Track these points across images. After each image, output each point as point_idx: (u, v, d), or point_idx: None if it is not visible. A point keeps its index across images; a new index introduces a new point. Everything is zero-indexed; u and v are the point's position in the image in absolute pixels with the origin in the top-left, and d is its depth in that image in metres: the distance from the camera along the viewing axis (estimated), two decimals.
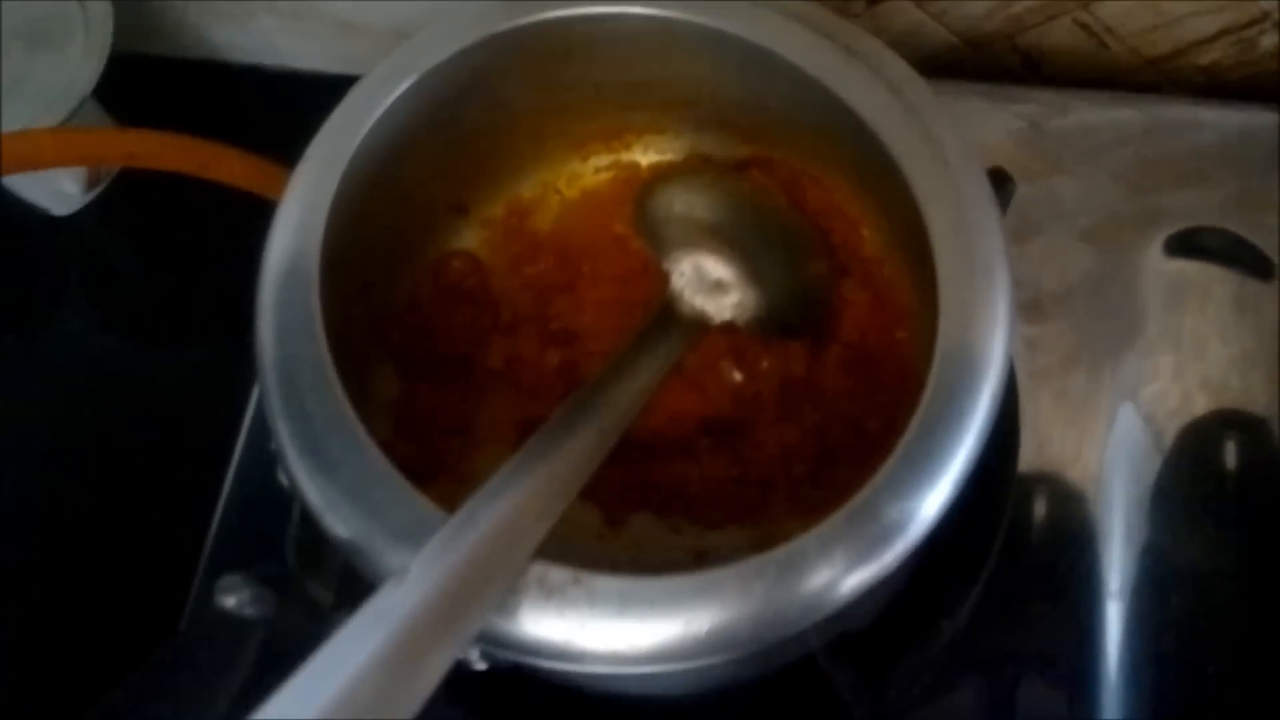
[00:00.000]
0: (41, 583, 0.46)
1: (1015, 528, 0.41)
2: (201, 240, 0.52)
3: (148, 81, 0.52)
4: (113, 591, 0.45)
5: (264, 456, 0.41)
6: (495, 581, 0.26)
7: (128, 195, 0.54)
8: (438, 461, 0.36)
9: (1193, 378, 0.43)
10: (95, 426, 0.49)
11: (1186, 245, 0.44)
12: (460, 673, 0.26)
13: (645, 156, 0.41)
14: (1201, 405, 0.42)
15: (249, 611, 0.29)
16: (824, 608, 0.28)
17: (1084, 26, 0.47)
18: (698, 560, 0.36)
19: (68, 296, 0.53)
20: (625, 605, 0.27)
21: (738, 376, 0.37)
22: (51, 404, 0.50)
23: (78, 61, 0.48)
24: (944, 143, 0.33)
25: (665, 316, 0.36)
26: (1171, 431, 0.42)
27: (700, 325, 0.36)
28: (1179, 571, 0.40)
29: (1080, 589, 0.39)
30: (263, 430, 0.42)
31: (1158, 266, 0.44)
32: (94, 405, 0.50)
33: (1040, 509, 0.41)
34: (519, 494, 0.28)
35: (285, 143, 0.45)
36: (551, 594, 0.27)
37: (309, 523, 0.29)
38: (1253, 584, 0.40)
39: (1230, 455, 0.42)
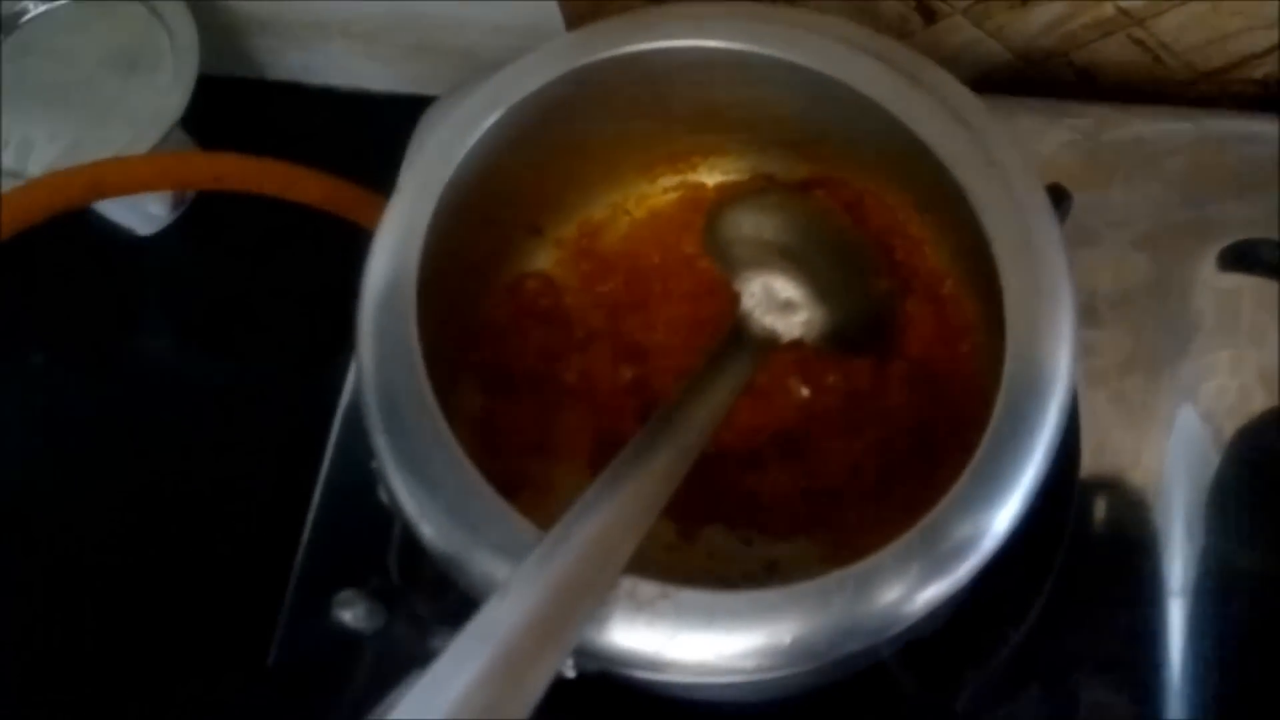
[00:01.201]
0: (128, 603, 0.48)
1: (1078, 532, 0.41)
2: (279, 258, 0.54)
3: (224, 103, 0.54)
4: (200, 607, 0.47)
5: (351, 471, 0.43)
6: (590, 595, 0.28)
7: (209, 214, 0.56)
8: (521, 475, 0.37)
9: (1250, 372, 0.43)
10: (179, 443, 0.51)
11: (1240, 258, 0.45)
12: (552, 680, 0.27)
13: (711, 177, 0.43)
14: (1260, 401, 0.43)
15: (363, 625, 0.31)
16: (899, 621, 0.29)
17: (1139, 42, 0.48)
18: (768, 570, 0.37)
19: (152, 313, 0.55)
20: (712, 618, 0.28)
21: (805, 392, 0.39)
22: (132, 420, 0.53)
23: (167, 88, 0.50)
24: (1007, 166, 0.34)
25: (736, 336, 0.37)
26: (1230, 429, 0.42)
27: (770, 343, 0.38)
28: (1241, 572, 0.41)
29: (1143, 592, 0.40)
30: (349, 446, 0.44)
31: (1212, 278, 0.45)
32: (175, 421, 0.52)
33: (1102, 513, 0.42)
34: (608, 511, 0.30)
35: (359, 161, 0.47)
36: (641, 607, 0.29)
37: (409, 538, 0.31)
38: None
39: None
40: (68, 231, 0.47)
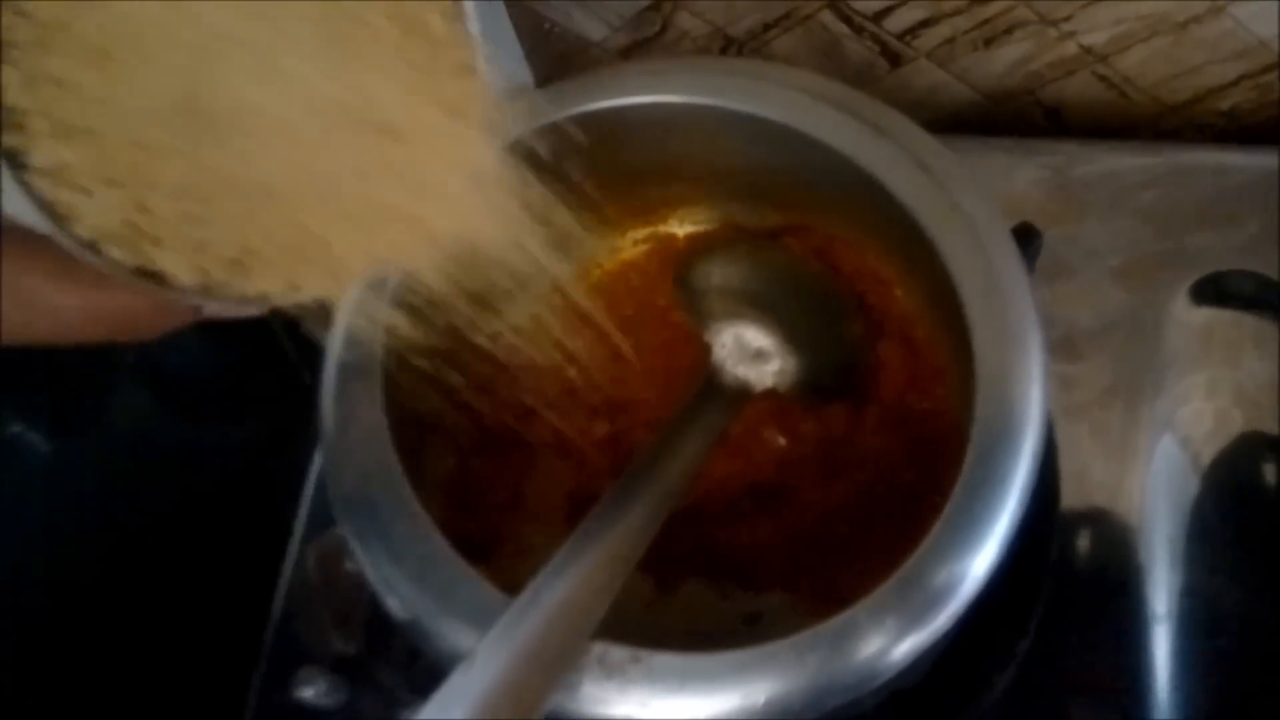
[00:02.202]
0: (97, 674, 0.47)
1: (1061, 567, 0.41)
2: (255, 322, 0.54)
3: None
4: (171, 680, 0.46)
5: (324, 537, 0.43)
6: (559, 662, 0.28)
7: None
8: (494, 534, 0.37)
9: (1226, 395, 0.43)
10: (151, 512, 0.51)
11: (1214, 292, 0.45)
12: None
13: (681, 228, 0.43)
14: (1237, 424, 0.43)
15: (326, 702, 0.30)
16: (878, 674, 0.29)
17: (1103, 79, 0.48)
18: (749, 622, 0.37)
19: (128, 380, 0.55)
20: (684, 681, 0.28)
21: (781, 441, 0.38)
22: (108, 487, 0.52)
23: None
24: (971, 212, 0.34)
25: (709, 388, 0.37)
26: (1208, 454, 0.43)
27: (744, 394, 0.38)
28: (1225, 599, 0.40)
29: (1129, 625, 0.40)
30: (320, 514, 0.44)
31: (1185, 312, 0.45)
32: (150, 489, 0.51)
33: (1084, 546, 0.42)
34: (578, 573, 0.29)
35: None
36: (612, 672, 0.28)
37: (376, 607, 0.30)
38: None
39: (1269, 479, 0.43)
40: None
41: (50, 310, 0.23)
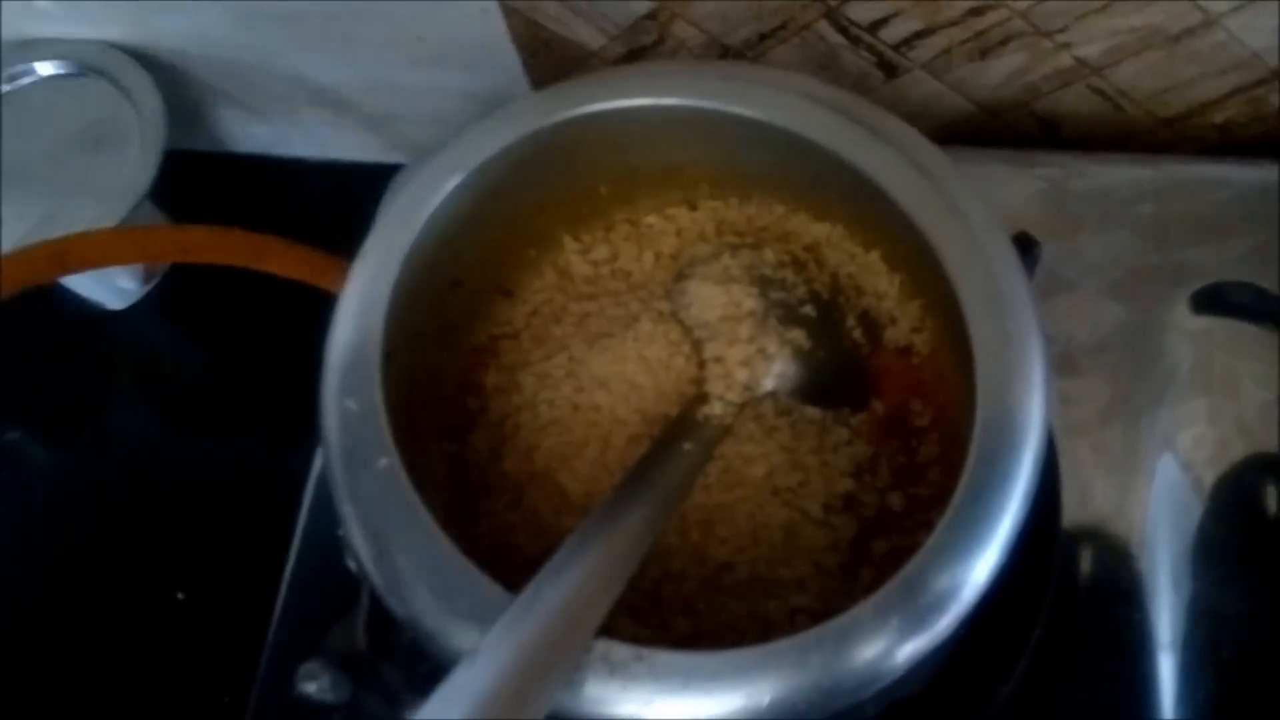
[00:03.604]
0: (103, 673, 0.47)
1: (1063, 584, 0.41)
2: (251, 329, 0.54)
3: (194, 177, 0.54)
4: (175, 679, 0.46)
5: (323, 540, 0.43)
6: (562, 659, 0.27)
7: (181, 288, 0.56)
8: (496, 533, 0.37)
9: (1228, 422, 0.43)
10: (152, 516, 0.51)
11: (1212, 302, 0.45)
12: None
13: (677, 232, 0.42)
14: (1239, 449, 0.43)
15: (328, 697, 0.30)
16: (880, 678, 0.28)
17: (1098, 91, 0.49)
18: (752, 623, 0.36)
19: (123, 388, 0.55)
20: (688, 680, 0.28)
21: (777, 446, 0.38)
22: (107, 494, 0.52)
23: (135, 162, 0.50)
24: (970, 216, 0.34)
25: (708, 392, 0.37)
26: (1210, 479, 0.42)
27: (743, 398, 0.37)
28: (1228, 620, 0.40)
29: (1131, 643, 0.40)
30: (321, 515, 0.43)
31: (1185, 323, 0.45)
32: (149, 494, 0.51)
33: (1086, 564, 0.42)
34: (581, 571, 0.29)
35: (331, 231, 0.46)
36: (615, 670, 0.28)
37: (378, 606, 0.30)
38: None
39: (1272, 500, 0.43)
40: (38, 307, 0.46)
41: None
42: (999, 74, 0.48)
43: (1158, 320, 0.45)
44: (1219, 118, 0.49)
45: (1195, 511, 0.42)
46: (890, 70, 0.49)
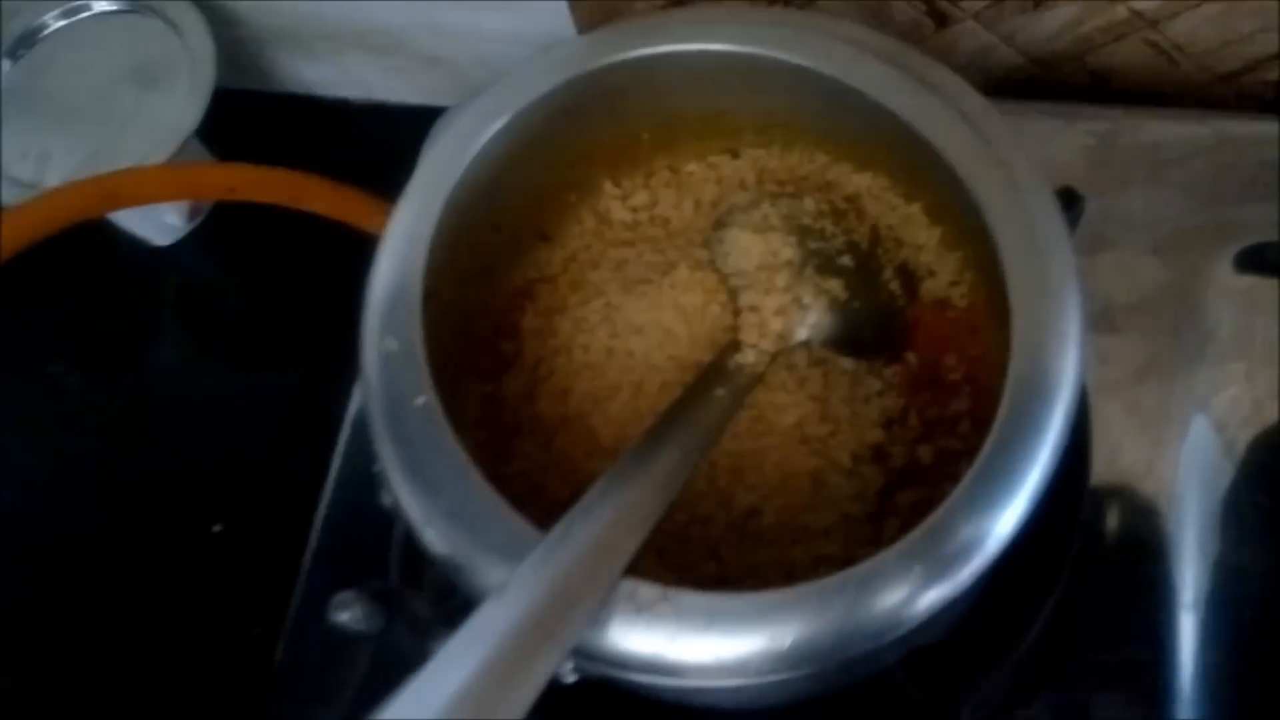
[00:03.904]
0: (139, 603, 0.49)
1: (1089, 540, 0.41)
2: (293, 268, 0.55)
3: (241, 116, 0.54)
4: (210, 608, 0.48)
5: (359, 477, 0.43)
6: (589, 596, 0.28)
7: (225, 225, 0.56)
8: (529, 472, 0.37)
9: (1264, 386, 0.43)
10: (191, 450, 0.52)
11: (1256, 261, 0.44)
12: (551, 685, 0.27)
13: (719, 179, 0.42)
14: (1273, 414, 0.42)
15: (361, 627, 0.31)
16: (902, 623, 0.29)
17: (1153, 45, 0.48)
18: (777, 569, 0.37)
19: (168, 323, 0.56)
20: (712, 621, 0.28)
21: (808, 393, 0.38)
22: (147, 426, 0.53)
23: (183, 100, 0.51)
24: (1015, 168, 0.34)
25: (743, 340, 0.37)
26: (1243, 441, 0.42)
27: (776, 345, 0.38)
28: (1253, 583, 0.40)
29: (1154, 601, 0.40)
30: (357, 452, 0.44)
31: (1228, 282, 0.44)
32: (189, 428, 0.53)
33: (1113, 521, 0.42)
34: (610, 512, 0.30)
35: (374, 172, 0.47)
36: (641, 609, 0.29)
37: (411, 541, 0.31)
38: None
39: None
40: (85, 242, 0.47)
41: None
42: (1052, 26, 0.48)
43: (1200, 279, 0.45)
44: (1275, 75, 0.48)
45: (1226, 473, 0.42)
46: (941, 20, 0.48)
